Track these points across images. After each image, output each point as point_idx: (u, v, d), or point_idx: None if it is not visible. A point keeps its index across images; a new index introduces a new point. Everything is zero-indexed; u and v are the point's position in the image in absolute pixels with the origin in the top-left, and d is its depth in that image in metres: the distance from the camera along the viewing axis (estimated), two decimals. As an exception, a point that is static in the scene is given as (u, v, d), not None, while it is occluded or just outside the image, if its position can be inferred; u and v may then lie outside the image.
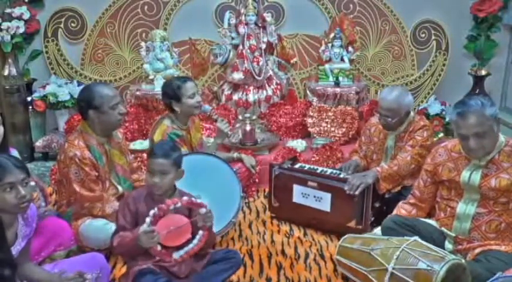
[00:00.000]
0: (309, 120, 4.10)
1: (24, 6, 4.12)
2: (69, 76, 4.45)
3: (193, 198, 2.03)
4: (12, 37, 4.11)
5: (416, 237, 2.19)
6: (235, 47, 4.06)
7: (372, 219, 2.86)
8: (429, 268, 1.98)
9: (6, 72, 4.20)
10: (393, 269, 2.06)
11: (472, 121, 2.11)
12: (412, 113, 2.96)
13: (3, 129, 2.30)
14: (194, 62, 4.18)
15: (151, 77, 4.10)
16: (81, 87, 4.27)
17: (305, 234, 2.98)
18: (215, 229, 2.66)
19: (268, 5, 4.38)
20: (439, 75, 4.60)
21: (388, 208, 2.80)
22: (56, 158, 2.77)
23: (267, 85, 4.16)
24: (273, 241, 2.90)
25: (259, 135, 3.97)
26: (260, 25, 4.05)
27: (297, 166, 3.13)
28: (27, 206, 1.81)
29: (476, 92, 4.28)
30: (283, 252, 2.77)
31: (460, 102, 2.24)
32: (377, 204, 2.94)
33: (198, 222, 2.01)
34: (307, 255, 2.73)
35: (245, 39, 3.99)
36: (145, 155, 3.15)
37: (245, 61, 4.00)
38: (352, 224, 2.79)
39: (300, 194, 2.98)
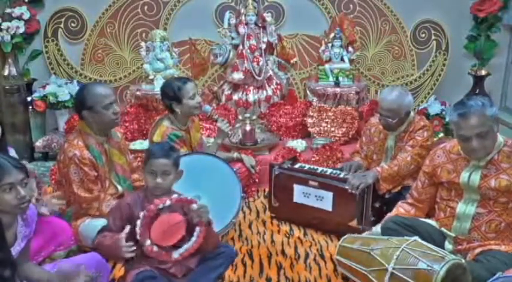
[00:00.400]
0: (309, 120, 4.10)
1: (24, 6, 4.13)
2: (69, 76, 4.45)
3: (182, 196, 2.02)
4: (12, 37, 4.11)
5: (416, 237, 2.19)
6: (235, 47, 4.07)
7: (372, 219, 2.86)
8: (429, 268, 1.98)
9: (6, 72, 4.20)
10: (393, 269, 2.06)
11: (474, 122, 2.11)
12: (412, 113, 2.96)
13: (1, 129, 2.30)
14: (194, 62, 4.18)
15: (151, 77, 4.10)
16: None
17: (305, 234, 2.98)
18: (216, 229, 2.66)
19: (268, 5, 4.38)
20: (439, 75, 4.60)
21: (388, 208, 2.79)
22: (56, 158, 2.77)
23: (267, 85, 4.17)
24: (273, 241, 2.90)
25: (259, 135, 3.97)
26: (260, 25, 4.05)
27: (297, 166, 3.13)
28: (26, 207, 1.81)
29: (476, 92, 4.28)
30: (283, 252, 2.77)
31: (460, 103, 2.23)
32: (377, 204, 2.94)
33: (193, 219, 2.01)
34: (307, 255, 2.73)
35: (245, 39, 4.00)
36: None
37: (245, 61, 4.00)
38: (353, 223, 2.79)
39: (301, 194, 2.99)
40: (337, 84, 4.17)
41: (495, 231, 2.22)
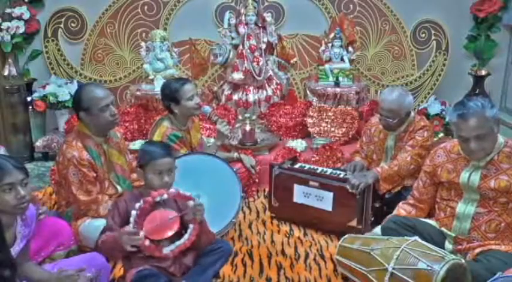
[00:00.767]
0: (309, 120, 4.10)
1: (24, 6, 4.13)
2: (69, 76, 4.45)
3: (180, 190, 2.02)
4: (12, 37, 4.11)
5: (416, 237, 2.19)
6: (235, 47, 4.07)
7: (372, 219, 2.86)
8: (429, 268, 1.98)
9: (6, 72, 4.21)
10: (393, 269, 2.06)
11: (473, 123, 2.11)
12: (412, 113, 2.96)
13: None
14: (194, 62, 4.18)
15: (151, 77, 4.10)
16: (81, 87, 4.32)
17: (305, 234, 2.98)
18: (216, 229, 2.67)
19: (268, 5, 4.38)
20: (439, 75, 4.59)
21: (388, 208, 2.80)
22: (56, 158, 2.77)
23: (267, 85, 4.17)
24: (273, 241, 2.90)
25: (259, 135, 3.97)
26: (260, 25, 4.05)
27: (297, 166, 3.13)
28: (26, 207, 1.81)
29: (476, 92, 4.27)
30: (283, 252, 2.77)
31: (460, 103, 2.22)
32: (377, 204, 2.95)
33: (188, 215, 2.01)
34: (307, 255, 2.73)
35: (245, 39, 4.00)
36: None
37: (245, 61, 4.00)
38: (353, 223, 2.79)
39: (301, 194, 2.99)
40: (337, 84, 4.17)
41: (495, 231, 2.22)
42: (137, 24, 4.43)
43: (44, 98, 4.19)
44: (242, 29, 4.00)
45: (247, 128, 3.80)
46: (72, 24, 4.40)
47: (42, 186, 3.69)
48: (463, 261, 2.07)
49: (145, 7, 4.40)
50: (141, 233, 1.92)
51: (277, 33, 4.18)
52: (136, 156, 2.17)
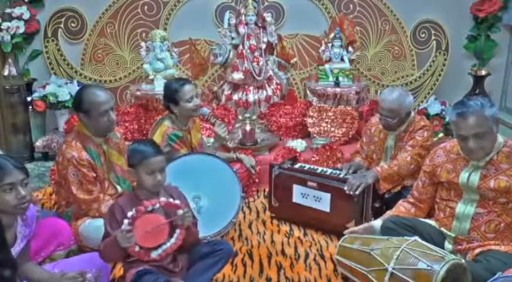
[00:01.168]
0: (309, 120, 4.10)
1: (24, 6, 4.14)
2: (69, 76, 4.45)
3: (171, 199, 2.03)
4: (12, 37, 4.12)
5: (416, 237, 2.19)
6: (235, 47, 4.07)
7: (372, 219, 2.86)
8: (429, 268, 1.98)
9: (6, 72, 4.21)
10: (393, 269, 2.06)
11: (472, 122, 2.11)
12: (412, 113, 2.96)
13: None
14: (194, 62, 4.18)
15: (151, 77, 4.10)
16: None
17: (305, 234, 2.99)
18: (216, 229, 2.67)
19: (268, 5, 4.38)
20: (439, 75, 4.59)
21: (388, 208, 2.79)
22: (55, 158, 2.77)
23: (267, 85, 4.17)
24: (273, 241, 2.90)
25: (259, 135, 3.97)
26: (260, 25, 4.05)
27: (297, 166, 3.13)
28: (27, 207, 1.81)
29: (476, 92, 4.28)
30: (283, 252, 2.77)
31: (460, 102, 2.23)
32: (377, 204, 2.95)
33: (177, 222, 2.02)
34: (307, 255, 2.73)
35: (245, 39, 4.00)
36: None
37: (245, 61, 4.00)
38: (351, 224, 2.78)
39: (299, 194, 2.99)
40: (337, 84, 4.17)
41: (495, 232, 2.22)
42: (137, 24, 4.43)
43: (44, 98, 4.19)
44: (242, 29, 4.01)
45: (247, 128, 3.80)
46: (72, 24, 4.40)
47: (42, 186, 3.69)
48: (463, 261, 2.07)
49: (145, 7, 4.40)
50: (134, 234, 1.93)
51: (277, 33, 4.18)
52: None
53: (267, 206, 3.24)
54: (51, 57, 4.42)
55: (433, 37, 4.52)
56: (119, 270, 2.44)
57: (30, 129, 4.31)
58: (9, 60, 4.22)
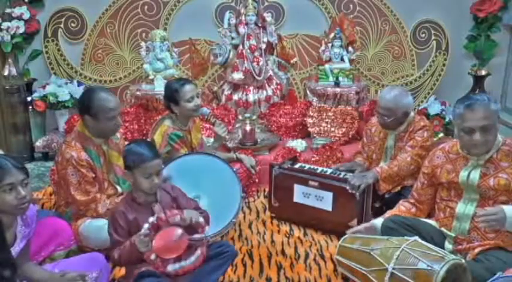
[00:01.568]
0: (309, 120, 4.10)
1: (24, 6, 4.13)
2: (69, 76, 4.45)
3: (194, 217, 2.01)
4: (12, 37, 4.11)
5: (416, 237, 2.19)
6: (235, 47, 4.07)
7: (372, 219, 2.85)
8: (429, 268, 1.98)
9: (6, 72, 4.21)
10: (393, 269, 2.06)
11: (481, 114, 2.11)
12: (412, 113, 2.96)
13: None
14: (194, 62, 4.19)
15: (151, 77, 4.10)
16: (82, 86, 4.32)
17: (305, 234, 2.99)
18: (216, 229, 2.67)
19: (268, 5, 4.38)
20: (439, 75, 4.60)
21: (388, 208, 2.79)
22: (55, 158, 2.77)
23: (267, 85, 4.17)
24: (273, 241, 2.90)
25: (259, 135, 3.97)
26: (260, 25, 4.05)
27: (297, 166, 3.13)
28: (26, 207, 1.81)
29: (476, 92, 4.28)
30: (283, 252, 2.77)
31: (465, 97, 2.25)
32: (377, 204, 2.94)
33: (197, 244, 2.01)
34: (307, 255, 2.73)
35: (245, 39, 4.00)
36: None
37: (245, 61, 4.00)
38: (353, 223, 2.79)
39: (301, 194, 2.99)
40: (337, 84, 4.17)
41: (494, 231, 2.21)
42: (137, 24, 4.43)
43: (44, 98, 4.19)
44: (242, 29, 4.00)
45: (247, 128, 3.80)
46: (72, 24, 4.40)
47: (42, 186, 3.69)
48: (463, 261, 2.07)
49: (145, 7, 4.40)
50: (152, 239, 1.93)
51: (277, 33, 4.18)
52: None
53: (267, 206, 3.24)
54: (51, 57, 4.42)
55: (433, 37, 4.53)
56: (118, 271, 2.44)
57: (30, 129, 4.31)
58: (9, 60, 4.22)
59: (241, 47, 4.02)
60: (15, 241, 1.84)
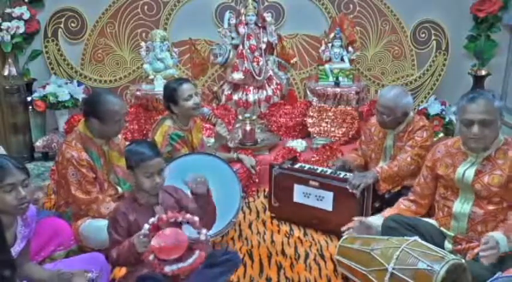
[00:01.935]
0: (309, 120, 4.10)
1: (24, 6, 4.13)
2: (69, 76, 4.45)
3: (196, 218, 1.99)
4: (12, 37, 4.11)
5: (416, 237, 2.19)
6: (235, 47, 4.07)
7: (372, 218, 2.86)
8: (429, 268, 1.98)
9: (6, 72, 4.21)
10: (393, 269, 2.06)
11: (481, 106, 2.12)
12: (411, 113, 2.96)
13: None
14: (194, 62, 4.19)
15: (151, 77, 4.09)
16: (82, 86, 4.32)
17: (305, 234, 2.99)
18: (215, 229, 2.67)
19: (268, 5, 4.38)
20: (439, 75, 4.60)
21: (388, 208, 2.80)
22: (55, 158, 2.77)
23: (267, 85, 4.17)
24: (273, 241, 2.90)
25: (259, 135, 3.97)
26: (260, 25, 4.05)
27: (297, 166, 3.13)
28: (27, 207, 1.81)
29: (476, 91, 4.27)
30: (283, 252, 2.78)
31: (469, 92, 2.27)
32: (377, 204, 2.94)
33: (197, 245, 1.99)
34: (307, 255, 2.74)
35: (245, 39, 4.00)
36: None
37: (245, 61, 4.00)
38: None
39: (301, 194, 2.99)
40: (337, 84, 4.16)
41: (492, 231, 2.21)
42: (137, 24, 4.43)
43: (44, 98, 4.19)
44: (242, 29, 4.00)
45: (247, 128, 3.81)
46: (72, 24, 4.39)
47: (42, 186, 3.68)
48: (463, 261, 2.07)
49: (145, 7, 4.40)
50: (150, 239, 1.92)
51: (277, 33, 4.18)
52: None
53: (267, 206, 3.24)
54: (51, 57, 4.42)
55: (433, 37, 4.53)
56: (119, 271, 2.43)
57: (30, 129, 4.31)
58: (9, 60, 4.21)
59: (241, 47, 4.02)
60: (15, 241, 1.84)
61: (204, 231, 1.98)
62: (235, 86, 4.16)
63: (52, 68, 4.44)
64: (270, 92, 4.16)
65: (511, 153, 2.19)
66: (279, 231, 3.02)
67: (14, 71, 4.22)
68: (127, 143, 2.78)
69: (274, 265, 2.64)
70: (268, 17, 4.09)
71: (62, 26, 4.38)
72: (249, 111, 4.08)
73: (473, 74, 4.38)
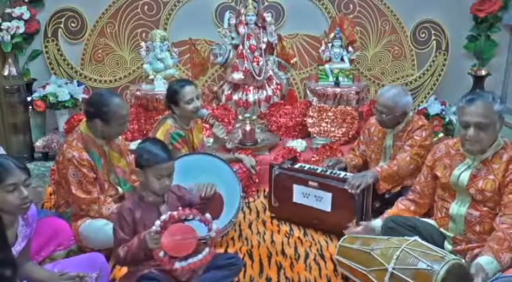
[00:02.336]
0: (309, 120, 4.10)
1: (24, 6, 4.13)
2: (69, 76, 4.45)
3: (207, 215, 2.02)
4: (12, 37, 4.11)
5: (416, 237, 2.19)
6: (235, 47, 4.07)
7: (372, 219, 2.86)
8: (429, 268, 1.98)
9: (6, 72, 4.21)
10: (393, 269, 2.06)
11: (479, 110, 2.10)
12: (411, 113, 2.97)
13: None
14: (194, 62, 4.19)
15: (151, 77, 4.09)
16: (82, 86, 4.32)
17: (305, 234, 2.99)
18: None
19: (268, 5, 4.38)
20: (439, 75, 4.60)
21: (388, 208, 2.80)
22: (56, 158, 2.77)
23: (267, 85, 4.17)
24: (273, 241, 2.90)
25: (259, 135, 3.97)
26: (260, 25, 4.05)
27: (297, 166, 3.13)
28: (28, 207, 1.81)
29: (476, 92, 4.27)
30: (283, 252, 2.78)
31: (470, 93, 2.25)
32: (377, 204, 2.95)
33: (207, 241, 2.00)
34: (307, 255, 2.74)
35: (245, 39, 4.00)
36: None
37: (245, 61, 4.01)
38: (352, 223, 2.77)
39: (300, 194, 2.99)
40: (337, 84, 4.17)
41: (489, 233, 2.19)
42: (137, 24, 4.43)
43: (44, 98, 4.19)
44: (242, 29, 4.00)
45: (247, 128, 3.81)
46: (72, 24, 4.39)
47: (42, 186, 3.68)
48: (463, 261, 2.07)
49: (145, 7, 4.40)
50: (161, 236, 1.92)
51: (277, 33, 4.18)
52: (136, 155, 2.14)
53: (267, 206, 3.25)
54: (51, 57, 4.42)
55: (433, 37, 4.53)
56: (119, 270, 2.44)
57: (30, 129, 4.31)
58: (9, 60, 4.21)
59: (241, 47, 4.02)
60: (16, 241, 1.84)
61: (214, 227, 1.99)
62: (235, 86, 4.16)
63: (52, 68, 4.44)
64: (270, 92, 4.16)
65: (506, 158, 2.16)
66: (279, 231, 3.02)
67: (14, 71, 4.22)
68: (127, 143, 2.79)
69: (274, 265, 2.64)
70: (268, 17, 4.09)
71: (62, 26, 4.38)
72: (249, 111, 4.08)
73: (473, 74, 4.38)
